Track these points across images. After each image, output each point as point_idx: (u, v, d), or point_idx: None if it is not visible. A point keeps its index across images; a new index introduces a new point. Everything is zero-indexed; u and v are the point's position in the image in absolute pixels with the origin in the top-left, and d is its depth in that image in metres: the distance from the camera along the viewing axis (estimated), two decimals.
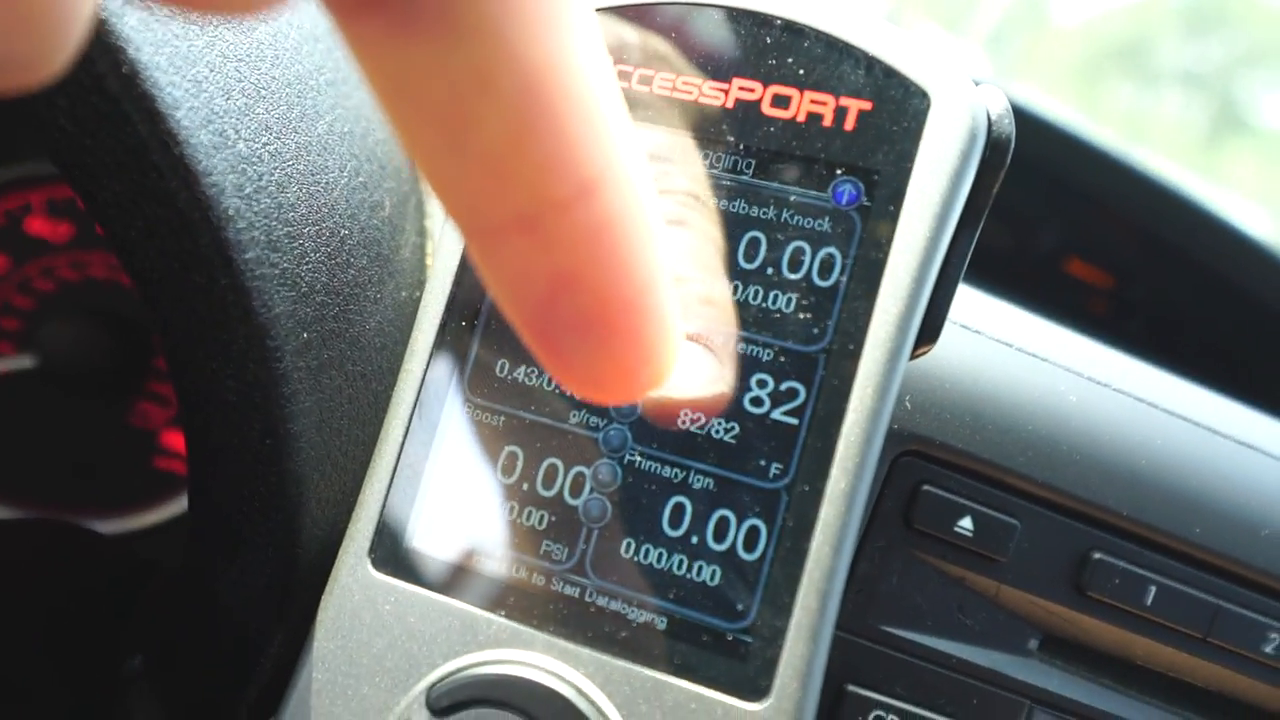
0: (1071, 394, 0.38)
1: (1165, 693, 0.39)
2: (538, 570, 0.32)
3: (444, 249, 0.34)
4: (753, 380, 0.31)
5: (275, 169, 0.30)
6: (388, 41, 0.16)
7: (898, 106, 0.30)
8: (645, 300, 0.17)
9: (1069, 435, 0.37)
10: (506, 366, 0.33)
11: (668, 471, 0.31)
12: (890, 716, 0.36)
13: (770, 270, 0.31)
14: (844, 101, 0.31)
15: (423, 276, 0.38)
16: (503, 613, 0.32)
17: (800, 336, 0.31)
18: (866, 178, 0.30)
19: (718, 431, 0.31)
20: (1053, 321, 0.43)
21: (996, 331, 0.39)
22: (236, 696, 0.35)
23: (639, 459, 0.32)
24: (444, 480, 0.33)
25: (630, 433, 0.32)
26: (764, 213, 0.31)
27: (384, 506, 0.33)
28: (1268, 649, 0.38)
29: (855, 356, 0.30)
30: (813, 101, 0.31)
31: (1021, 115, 0.71)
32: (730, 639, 0.30)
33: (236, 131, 0.29)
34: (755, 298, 0.31)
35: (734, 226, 0.32)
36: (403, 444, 0.33)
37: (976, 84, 0.31)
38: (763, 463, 0.30)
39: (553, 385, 0.33)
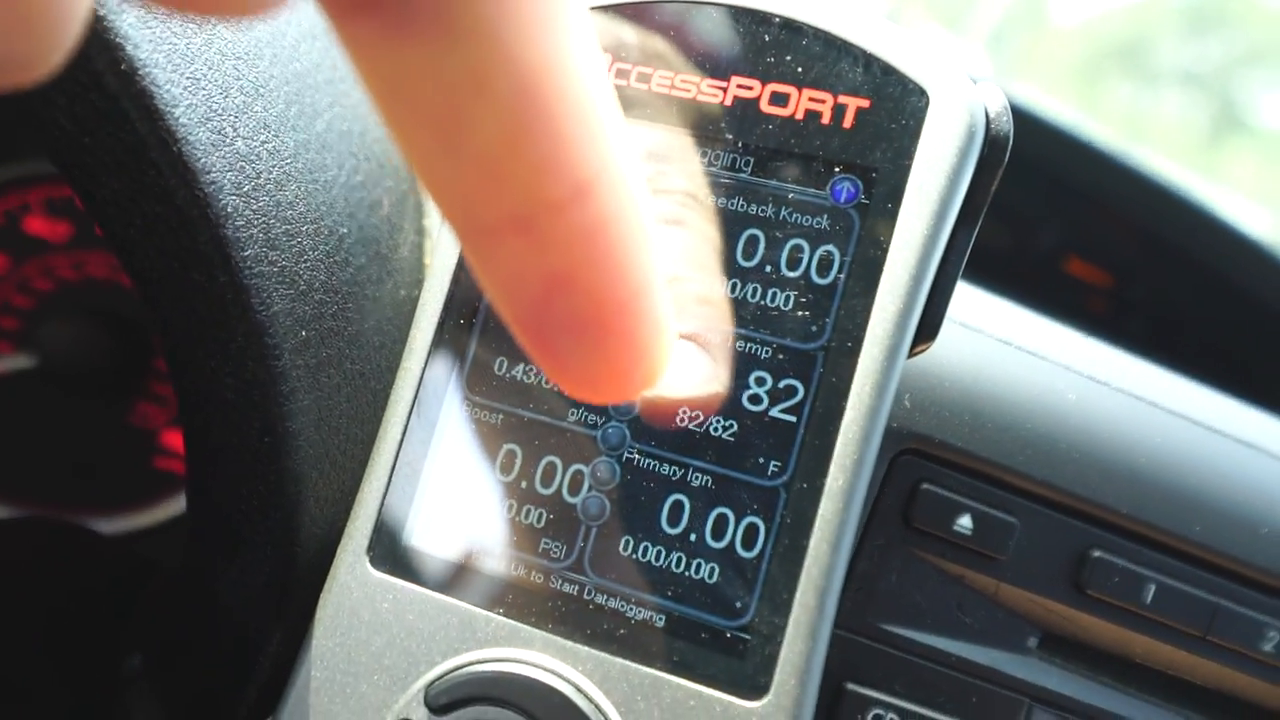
0: (1071, 392, 0.38)
1: (1164, 691, 0.39)
2: (536, 568, 0.32)
3: (442, 247, 0.34)
4: (751, 378, 0.31)
5: (274, 167, 0.30)
6: (383, 42, 0.16)
7: (896, 104, 0.30)
8: (639, 301, 0.17)
9: (1068, 433, 0.37)
10: (505, 364, 0.33)
11: (666, 469, 0.31)
12: (889, 714, 0.36)
13: (769, 268, 0.31)
14: (842, 99, 0.31)
15: (421, 275, 0.38)
16: (501, 611, 0.32)
17: (799, 334, 0.31)
18: (865, 175, 0.31)
19: (716, 429, 0.31)
20: (1052, 320, 0.43)
21: (996, 330, 0.39)
22: (235, 695, 0.35)
23: (637, 457, 0.32)
24: (442, 478, 0.33)
25: (629, 430, 0.32)
26: (762, 210, 0.31)
27: (382, 505, 0.33)
28: (1267, 647, 0.38)
29: (854, 354, 0.30)
30: (811, 99, 0.31)
31: (1021, 114, 0.71)
32: (729, 636, 0.30)
33: (235, 129, 0.29)
34: (754, 295, 0.31)
35: (732, 224, 0.32)
36: (401, 442, 0.33)
37: (975, 82, 0.31)
38: (761, 460, 0.30)
39: (551, 383, 0.33)
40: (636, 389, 0.18)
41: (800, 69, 0.31)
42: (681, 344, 0.31)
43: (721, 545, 0.30)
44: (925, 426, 0.36)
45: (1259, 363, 0.76)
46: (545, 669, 0.31)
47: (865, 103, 0.31)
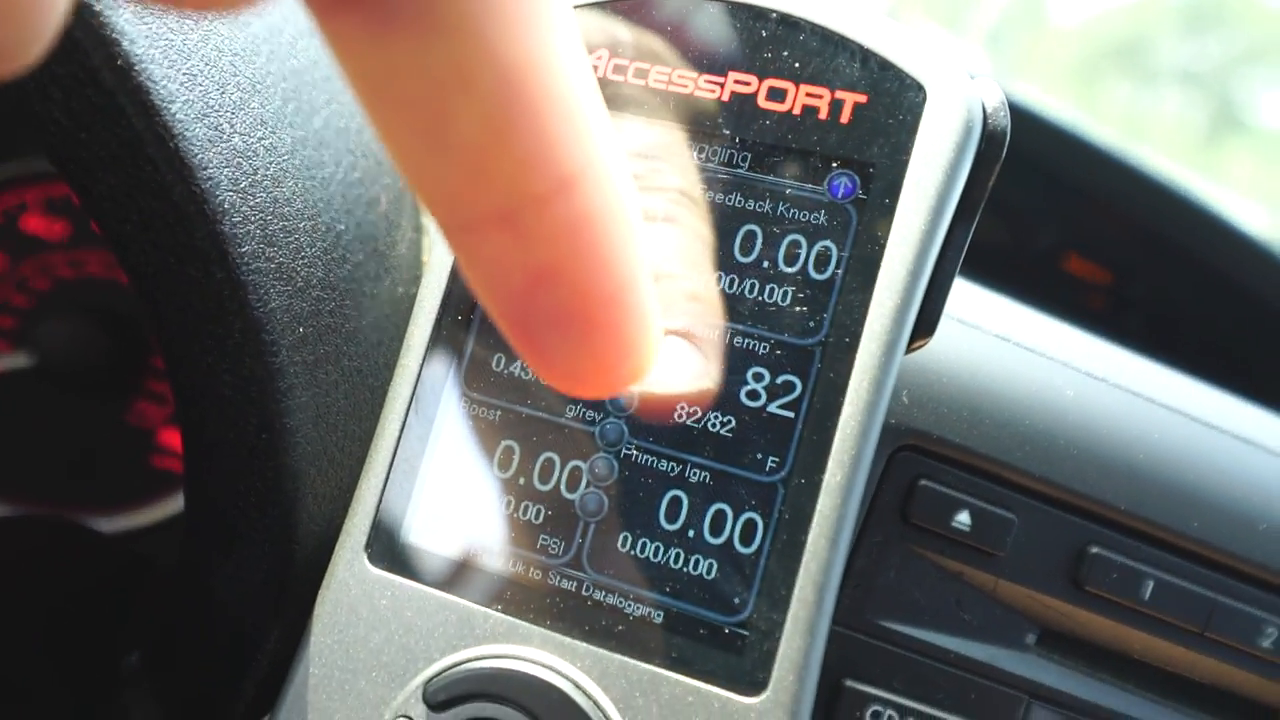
0: (1069, 388, 0.38)
1: (1162, 687, 0.39)
2: (534, 565, 0.32)
3: (440, 244, 0.34)
4: (749, 373, 0.31)
5: (270, 164, 0.30)
6: (367, 38, 0.16)
7: (893, 100, 0.30)
8: (624, 295, 0.17)
9: (1066, 430, 0.37)
10: (502, 361, 0.33)
11: (664, 465, 0.31)
12: (888, 711, 0.36)
13: (766, 264, 0.31)
14: (840, 95, 0.31)
15: (419, 272, 0.38)
16: (499, 607, 0.31)
17: (796, 330, 0.31)
18: (862, 171, 0.30)
19: (714, 425, 0.31)
20: (1051, 318, 0.43)
21: (994, 326, 0.39)
22: (233, 692, 0.35)
23: (635, 453, 0.31)
24: (440, 475, 0.33)
25: (626, 427, 0.32)
26: (760, 206, 0.31)
27: (380, 502, 0.33)
28: (1265, 643, 0.38)
29: (851, 349, 0.30)
30: (808, 95, 0.31)
31: (1020, 112, 0.71)
32: (727, 632, 0.30)
33: (231, 125, 0.29)
34: (751, 291, 0.31)
35: (730, 220, 0.32)
36: (399, 439, 0.33)
37: (972, 77, 0.31)
38: (759, 456, 0.30)
39: None
40: (622, 383, 0.18)
41: (798, 64, 0.31)
42: (676, 339, 0.31)
43: (720, 541, 0.30)
44: (923, 422, 0.36)
45: (1257, 359, 0.76)
46: (544, 665, 0.31)
47: (862, 98, 0.31)
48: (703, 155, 0.32)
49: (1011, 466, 0.36)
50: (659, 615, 0.31)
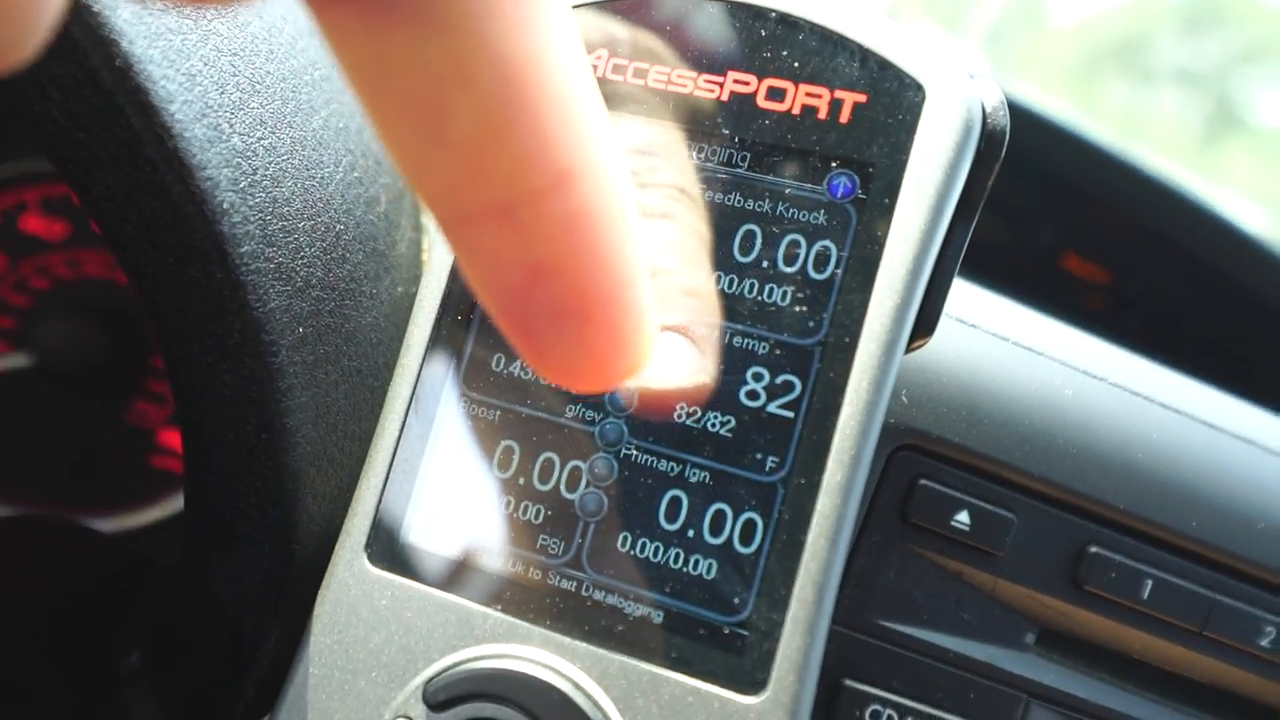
0: (1068, 388, 0.38)
1: (1161, 686, 0.39)
2: (534, 565, 0.32)
3: (439, 243, 0.34)
4: (748, 373, 0.31)
5: (270, 163, 0.30)
6: (364, 31, 0.16)
7: (893, 99, 0.30)
8: (621, 291, 0.17)
9: (1066, 429, 0.37)
10: (502, 361, 0.33)
11: (664, 465, 0.31)
12: (887, 711, 0.36)
13: (765, 263, 0.31)
14: (839, 94, 0.31)
15: (418, 271, 0.37)
16: (499, 607, 0.31)
17: (796, 329, 0.31)
18: (862, 170, 0.31)
19: (714, 425, 0.31)
20: (1050, 317, 0.43)
21: (993, 326, 0.39)
22: (233, 692, 0.35)
23: (635, 453, 0.31)
24: (440, 475, 0.33)
25: (626, 427, 0.32)
26: (759, 206, 0.31)
27: (380, 501, 0.33)
28: (1263, 643, 0.38)
29: (851, 349, 0.30)
30: (808, 94, 0.31)
31: (1019, 111, 0.71)
32: (727, 632, 0.30)
33: (231, 126, 0.29)
34: (750, 291, 0.31)
35: (729, 220, 0.32)
36: (399, 439, 0.33)
37: (971, 77, 0.31)
38: (759, 456, 0.30)
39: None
40: (618, 378, 0.18)
41: (797, 64, 0.31)
42: (673, 337, 0.31)
43: (719, 541, 0.30)
44: (923, 422, 0.36)
45: (1256, 359, 0.76)
46: (543, 665, 0.31)
47: (862, 98, 0.31)
48: (702, 155, 0.32)
49: (1011, 466, 0.36)
50: (659, 615, 0.31)
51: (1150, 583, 0.37)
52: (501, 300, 0.17)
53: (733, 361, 0.31)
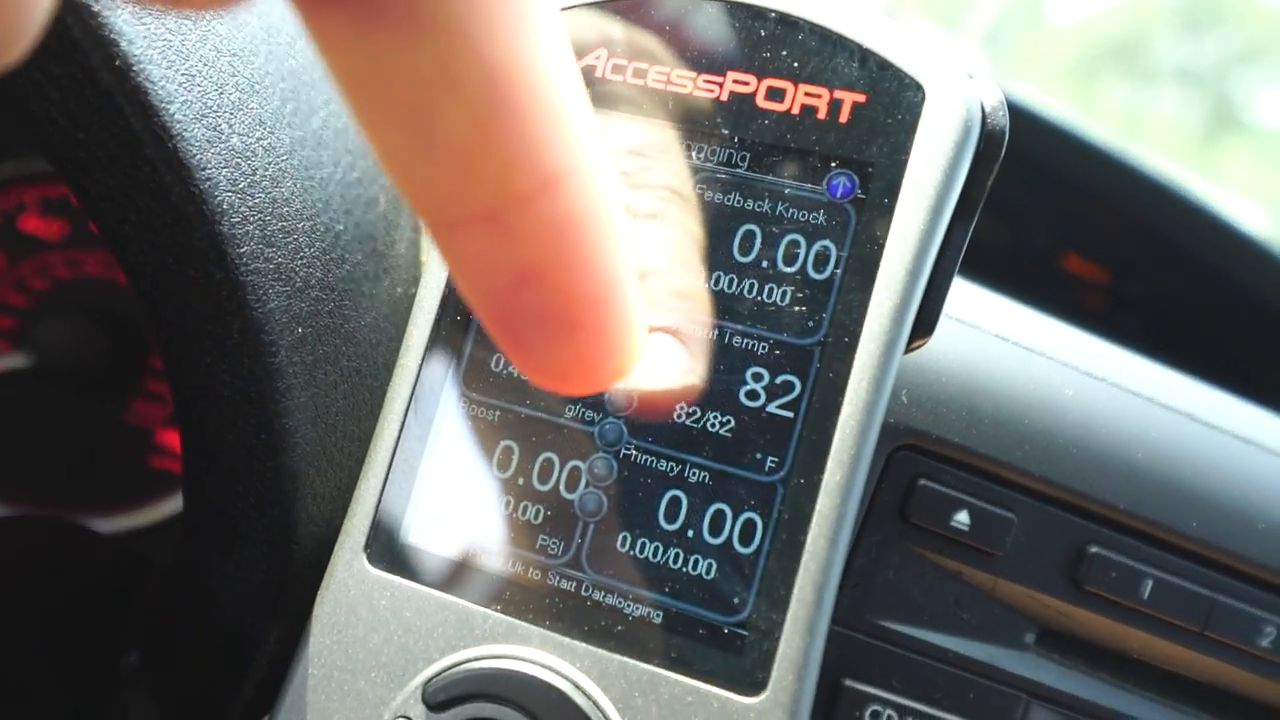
0: (1068, 388, 0.38)
1: (1161, 686, 0.39)
2: (534, 565, 0.32)
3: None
4: (748, 373, 0.31)
5: (269, 164, 0.30)
6: (352, 36, 0.16)
7: (892, 99, 0.30)
8: (608, 294, 0.17)
9: (1065, 429, 0.37)
10: (501, 361, 0.33)
11: (663, 465, 0.31)
12: (887, 711, 0.36)
13: (765, 263, 0.31)
14: (839, 94, 0.31)
15: (417, 272, 0.37)
16: (499, 607, 0.31)
17: (795, 329, 0.31)
18: (861, 170, 0.30)
19: (713, 425, 0.31)
20: (1049, 317, 0.43)
21: (993, 326, 0.39)
22: (232, 692, 0.35)
23: (635, 453, 0.31)
24: (440, 475, 0.33)
25: (625, 427, 0.32)
26: (759, 206, 0.31)
27: (379, 502, 0.33)
28: (1263, 642, 0.38)
29: (850, 349, 0.30)
30: (807, 94, 0.31)
31: (1019, 111, 0.71)
32: (726, 632, 0.30)
33: (230, 126, 0.29)
34: (750, 291, 0.31)
35: (729, 220, 0.32)
36: (398, 439, 0.33)
37: (970, 77, 0.31)
38: (758, 456, 0.30)
39: None
40: (605, 381, 0.18)
41: (796, 64, 0.31)
42: (664, 338, 0.31)
43: (719, 541, 0.30)
44: (922, 422, 0.36)
45: (1256, 359, 0.76)
46: (543, 666, 0.31)
47: (861, 98, 0.31)
48: (701, 155, 0.32)
49: (1010, 466, 0.36)
50: (658, 615, 0.31)
51: (1150, 582, 0.37)
52: (489, 304, 0.18)
53: (732, 361, 0.31)
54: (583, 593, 0.31)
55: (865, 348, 0.30)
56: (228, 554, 0.33)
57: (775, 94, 0.31)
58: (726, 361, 0.31)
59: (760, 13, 0.32)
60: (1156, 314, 0.80)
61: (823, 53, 0.31)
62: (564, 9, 0.33)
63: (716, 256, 0.32)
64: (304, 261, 0.31)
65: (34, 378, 0.52)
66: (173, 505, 0.54)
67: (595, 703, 0.30)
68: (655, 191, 0.32)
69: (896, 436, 0.36)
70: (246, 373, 0.30)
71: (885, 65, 0.31)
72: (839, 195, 0.31)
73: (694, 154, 0.32)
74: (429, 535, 0.33)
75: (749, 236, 0.31)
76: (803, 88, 0.31)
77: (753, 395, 0.31)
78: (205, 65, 0.29)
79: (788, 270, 0.31)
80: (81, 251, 0.53)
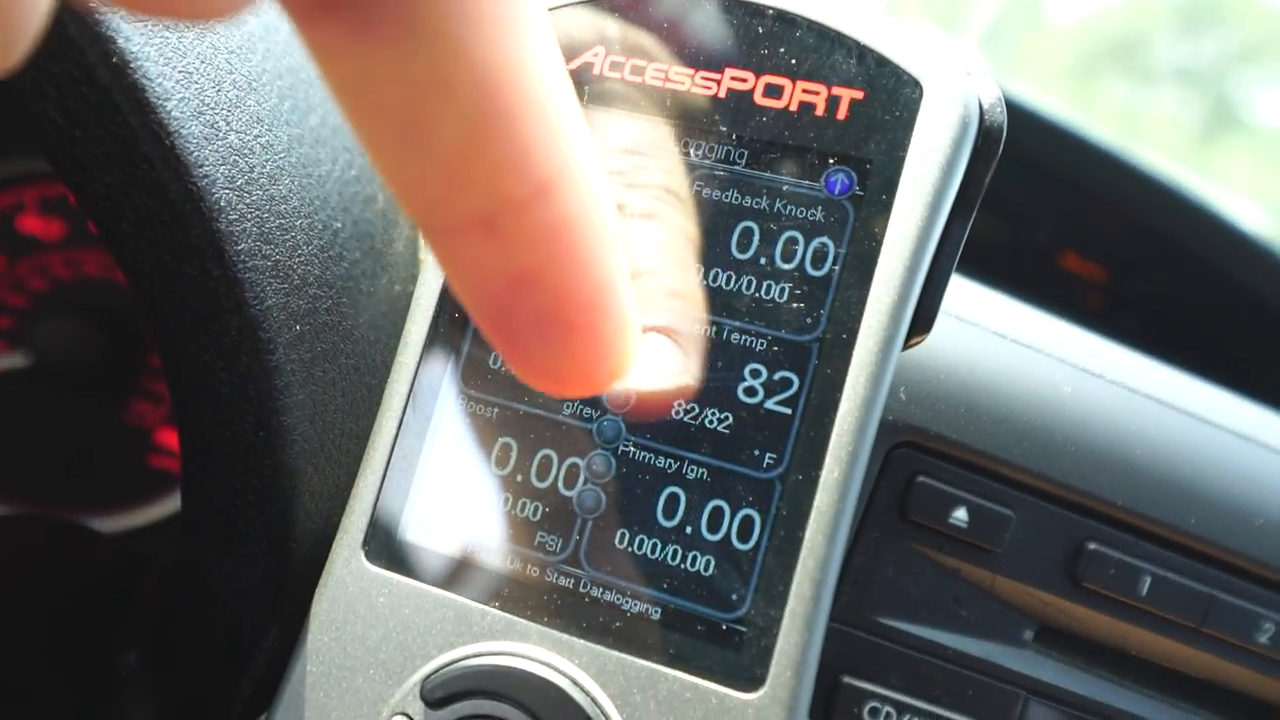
0: (1066, 385, 0.38)
1: (1160, 683, 0.39)
2: (532, 562, 0.32)
3: None
4: (746, 370, 0.31)
5: (267, 161, 0.30)
6: (347, 45, 0.16)
7: (890, 96, 0.30)
8: (602, 297, 0.18)
9: (1063, 426, 0.37)
10: (499, 359, 0.33)
11: (662, 462, 0.31)
12: (885, 707, 0.36)
13: (763, 260, 0.31)
14: (836, 91, 0.31)
15: (416, 270, 0.37)
16: (497, 604, 0.31)
17: (793, 326, 0.31)
18: (859, 167, 0.31)
19: (711, 422, 0.31)
20: (1048, 315, 0.43)
21: (991, 323, 0.39)
22: (231, 690, 0.35)
23: (633, 450, 0.31)
24: (438, 473, 0.33)
25: (624, 424, 0.32)
26: (757, 203, 0.31)
27: (378, 499, 0.33)
28: (1262, 639, 0.38)
29: (849, 346, 0.30)
30: (805, 91, 0.31)
31: (1017, 109, 0.71)
32: (725, 629, 0.30)
33: (228, 123, 0.29)
34: (748, 288, 0.31)
35: (727, 217, 0.32)
36: (396, 436, 0.33)
37: (968, 74, 0.31)
38: (756, 453, 0.30)
39: None
40: (601, 384, 0.18)
41: (794, 61, 0.31)
42: (659, 337, 0.31)
43: (717, 538, 0.30)
44: (921, 419, 0.36)
45: (1255, 358, 0.76)
46: (541, 662, 0.31)
47: (859, 94, 0.31)
48: (699, 152, 0.32)
49: (1009, 463, 0.36)
50: (656, 612, 0.31)
51: (1148, 579, 0.37)
52: (485, 308, 0.18)
53: (730, 358, 0.31)
54: (581, 589, 0.31)
55: (863, 344, 0.30)
56: (226, 552, 0.33)
57: (773, 91, 0.31)
58: (725, 358, 0.31)
59: (758, 9, 0.32)
60: (1155, 313, 0.80)
61: (820, 49, 0.31)
62: (562, 6, 0.33)
63: (714, 253, 0.32)
64: (302, 259, 0.31)
65: (32, 377, 0.52)
66: (171, 504, 0.54)
67: (593, 699, 0.30)
68: (653, 189, 0.32)
69: (895, 433, 0.36)
70: (244, 370, 0.30)
71: (883, 62, 0.31)
72: (837, 192, 0.31)
73: (692, 151, 0.32)
74: (427, 532, 0.33)
75: (747, 233, 0.31)
76: (801, 84, 0.31)
77: (751, 392, 0.31)
78: (203, 62, 0.29)
79: (786, 267, 0.31)
80: (80, 251, 0.53)
